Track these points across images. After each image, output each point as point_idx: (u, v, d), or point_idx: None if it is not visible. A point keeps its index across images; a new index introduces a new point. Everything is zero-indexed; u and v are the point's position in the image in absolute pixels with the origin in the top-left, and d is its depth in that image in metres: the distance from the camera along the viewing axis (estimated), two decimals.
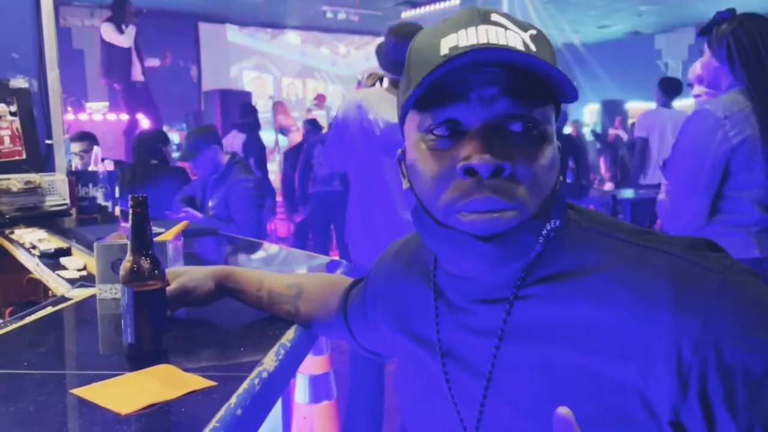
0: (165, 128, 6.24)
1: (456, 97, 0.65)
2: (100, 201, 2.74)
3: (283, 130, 7.43)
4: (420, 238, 0.86)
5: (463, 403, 0.75)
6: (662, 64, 11.48)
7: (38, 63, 2.80)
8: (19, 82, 2.72)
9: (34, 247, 1.96)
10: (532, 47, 0.66)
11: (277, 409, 1.33)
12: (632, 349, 0.62)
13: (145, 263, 0.92)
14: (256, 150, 6.10)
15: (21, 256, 2.03)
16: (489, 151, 0.64)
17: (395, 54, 2.35)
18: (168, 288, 1.02)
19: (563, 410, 0.51)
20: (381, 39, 2.54)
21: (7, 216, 2.47)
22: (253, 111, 6.61)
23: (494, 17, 0.67)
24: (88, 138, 4.19)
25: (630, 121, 9.37)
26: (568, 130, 8.90)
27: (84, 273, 1.64)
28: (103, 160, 2.98)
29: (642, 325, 0.62)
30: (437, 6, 9.19)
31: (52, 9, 2.81)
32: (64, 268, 1.69)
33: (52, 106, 2.83)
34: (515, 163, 0.65)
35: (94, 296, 1.29)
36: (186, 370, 0.87)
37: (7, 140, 2.64)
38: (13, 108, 2.67)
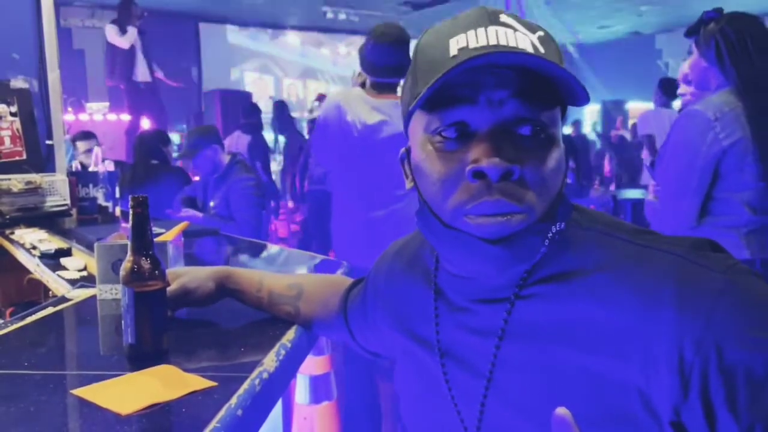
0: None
1: (465, 100, 0.65)
2: (101, 201, 2.74)
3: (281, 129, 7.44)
4: (421, 238, 0.86)
5: (463, 404, 0.75)
6: (663, 65, 11.47)
7: (39, 63, 2.80)
8: (19, 83, 2.72)
9: (34, 247, 1.96)
10: (541, 49, 0.65)
11: (278, 409, 1.33)
12: (634, 349, 0.62)
13: (146, 264, 0.92)
14: (261, 152, 6.09)
15: (21, 256, 2.03)
16: (498, 154, 0.63)
17: (373, 56, 2.38)
18: (168, 288, 1.02)
19: (561, 411, 0.51)
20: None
21: (8, 216, 2.48)
22: (258, 111, 6.57)
23: (503, 18, 0.67)
24: (92, 136, 4.20)
25: (630, 122, 9.37)
26: (568, 130, 8.90)
27: (84, 273, 1.64)
28: (103, 160, 2.98)
29: (644, 324, 0.62)
30: (437, 7, 9.18)
31: (53, 9, 2.81)
32: (64, 268, 1.69)
33: (53, 107, 2.83)
34: (524, 166, 0.65)
35: (94, 297, 1.29)
36: (186, 370, 0.87)
37: (7, 140, 2.64)
38: (14, 108, 2.67)
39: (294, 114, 8.25)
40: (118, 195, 2.86)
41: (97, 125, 5.94)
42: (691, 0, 1.77)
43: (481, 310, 0.73)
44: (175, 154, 4.43)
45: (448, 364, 0.77)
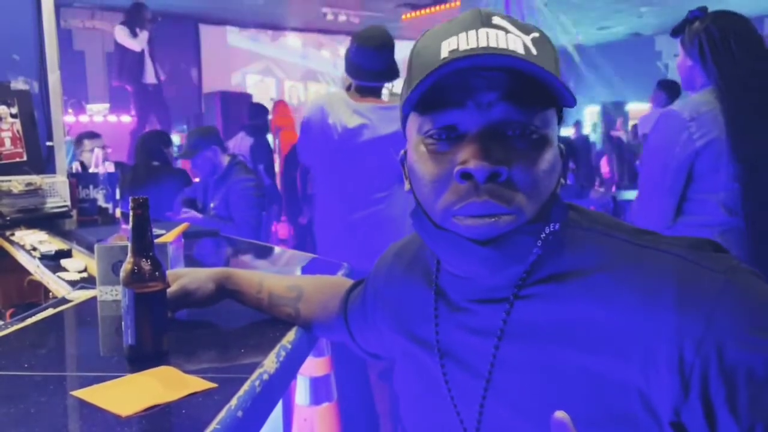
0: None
1: (454, 102, 0.66)
2: (101, 203, 2.74)
3: (277, 130, 7.42)
4: (421, 239, 0.86)
5: (462, 404, 0.75)
6: (662, 66, 11.47)
7: (39, 65, 2.80)
8: (19, 84, 2.72)
9: (34, 248, 1.96)
10: (534, 51, 0.65)
11: (278, 410, 1.33)
12: (634, 349, 0.62)
13: (146, 265, 0.92)
14: (264, 154, 6.07)
15: (22, 257, 2.03)
16: (486, 155, 0.64)
17: (357, 60, 2.39)
18: (169, 290, 1.02)
19: (560, 414, 0.51)
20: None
21: (8, 218, 2.47)
22: (263, 112, 6.53)
23: (496, 20, 0.67)
24: (98, 136, 4.20)
25: (631, 123, 9.37)
26: (570, 131, 8.89)
27: (85, 275, 1.64)
28: (104, 161, 2.98)
29: (644, 324, 0.62)
30: (438, 8, 9.19)
31: (53, 10, 2.81)
32: (64, 269, 1.69)
33: (53, 108, 2.83)
34: (512, 167, 0.65)
35: (94, 298, 1.29)
36: (186, 371, 0.87)
37: (7, 142, 2.64)
38: (14, 110, 2.67)
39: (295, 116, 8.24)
40: (118, 196, 2.86)
41: (97, 127, 5.94)
42: (691, 1, 1.77)
43: (481, 311, 0.73)
44: (175, 155, 4.43)
45: (447, 364, 0.77)
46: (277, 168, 7.56)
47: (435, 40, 0.68)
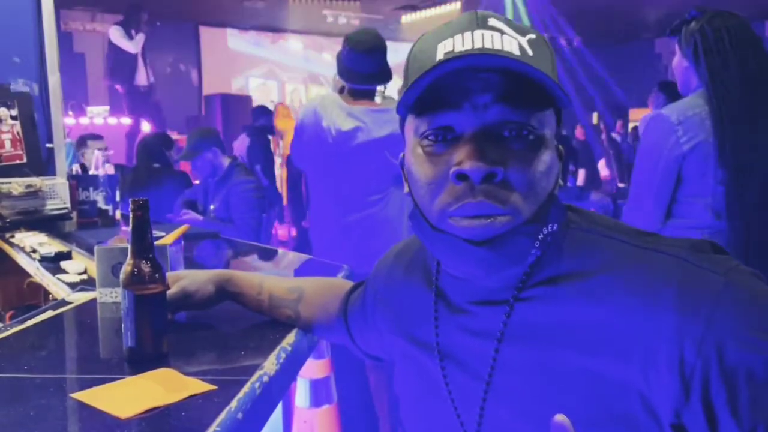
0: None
1: (450, 104, 0.66)
2: (101, 205, 2.74)
3: (280, 134, 7.42)
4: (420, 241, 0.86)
5: (463, 406, 0.75)
6: (662, 68, 11.48)
7: (39, 67, 2.80)
8: (20, 86, 2.73)
9: (34, 250, 1.95)
10: (529, 52, 0.66)
11: (278, 413, 1.32)
12: (634, 351, 0.62)
13: (146, 267, 0.92)
14: (260, 155, 6.07)
15: (21, 259, 2.03)
16: (481, 156, 0.64)
17: (349, 63, 2.39)
18: (168, 292, 1.02)
19: (560, 417, 0.51)
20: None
21: (8, 220, 2.47)
22: (264, 114, 6.52)
23: (491, 22, 0.68)
24: (99, 137, 4.21)
25: (630, 125, 9.37)
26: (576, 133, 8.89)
27: (84, 277, 1.64)
28: (104, 163, 2.98)
29: (644, 326, 0.62)
30: (438, 10, 9.20)
31: (53, 13, 2.81)
32: (64, 271, 1.69)
33: (53, 110, 2.83)
34: (508, 168, 0.65)
35: (94, 300, 1.29)
36: (186, 373, 0.87)
37: (8, 144, 2.64)
38: (14, 112, 2.68)
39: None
40: (118, 198, 2.86)
41: (97, 129, 5.94)
42: (691, 3, 1.77)
43: (481, 312, 0.73)
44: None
45: (447, 366, 0.77)
46: (279, 170, 7.56)
47: (431, 43, 0.68)
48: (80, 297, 1.37)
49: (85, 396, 0.80)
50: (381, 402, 2.62)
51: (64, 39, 7.72)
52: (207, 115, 8.77)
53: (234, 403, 0.77)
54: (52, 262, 1.81)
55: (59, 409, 0.79)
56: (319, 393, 2.06)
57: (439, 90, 0.66)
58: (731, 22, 1.69)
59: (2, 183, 2.54)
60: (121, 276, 0.92)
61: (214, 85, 9.90)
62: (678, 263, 0.64)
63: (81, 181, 2.73)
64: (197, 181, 3.83)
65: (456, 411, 0.76)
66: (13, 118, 2.67)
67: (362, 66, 2.37)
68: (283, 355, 0.97)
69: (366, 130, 2.36)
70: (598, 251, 0.69)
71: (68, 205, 2.68)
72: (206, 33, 10.55)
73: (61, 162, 2.84)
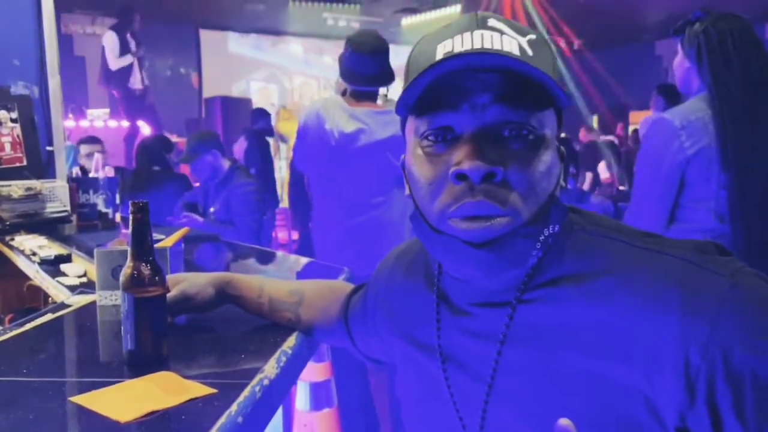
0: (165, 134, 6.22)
1: (449, 104, 0.66)
2: (101, 208, 2.74)
3: (282, 138, 7.42)
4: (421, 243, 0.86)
5: (465, 409, 0.75)
6: (662, 71, 11.49)
7: (39, 70, 2.80)
8: (20, 89, 2.73)
9: (34, 253, 1.95)
10: (529, 52, 0.66)
11: (278, 416, 1.32)
12: (639, 353, 0.62)
13: (146, 269, 0.91)
14: (256, 158, 6.06)
15: (21, 262, 2.03)
16: (480, 156, 0.64)
17: (351, 65, 2.39)
18: (168, 294, 1.02)
19: (564, 421, 0.51)
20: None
21: (8, 222, 2.47)
22: (262, 117, 6.52)
23: (491, 22, 0.68)
24: (97, 141, 4.21)
25: (631, 128, 9.38)
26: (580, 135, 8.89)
27: (84, 279, 1.64)
28: (104, 166, 2.98)
29: (649, 328, 0.62)
30: (438, 12, 9.21)
31: (54, 16, 2.82)
32: (64, 274, 1.69)
33: (53, 113, 2.83)
34: (507, 168, 0.65)
35: (94, 303, 1.28)
36: (186, 377, 0.87)
37: (8, 147, 2.64)
38: (14, 114, 2.68)
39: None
40: (118, 201, 2.86)
41: (97, 132, 5.94)
42: (691, 6, 1.76)
43: (483, 314, 0.73)
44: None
45: (449, 368, 0.77)
46: (282, 173, 7.56)
47: (431, 44, 0.68)
48: (80, 300, 1.37)
49: (85, 399, 0.80)
50: (382, 405, 2.62)
51: (65, 42, 7.72)
52: (207, 118, 8.77)
53: (234, 407, 0.77)
54: (52, 265, 1.81)
55: (58, 413, 0.79)
56: (319, 396, 2.05)
57: (439, 90, 0.66)
58: (735, 25, 1.69)
59: (2, 186, 2.54)
60: (121, 279, 0.92)
61: (214, 88, 9.91)
62: (682, 265, 0.64)
63: (81, 184, 2.73)
64: (197, 184, 3.83)
65: (458, 413, 0.75)
66: (13, 120, 2.67)
67: (364, 68, 2.37)
68: (284, 359, 0.96)
69: (369, 132, 2.35)
70: (600, 253, 0.69)
71: (68, 208, 2.68)
72: (207, 36, 10.56)
73: (61, 165, 2.84)
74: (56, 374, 0.94)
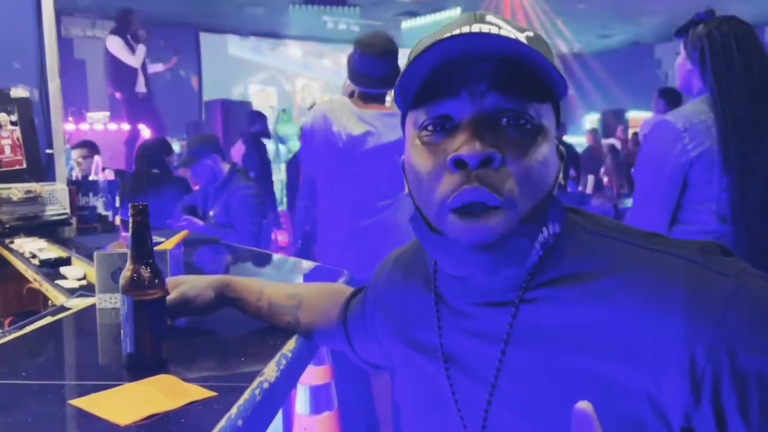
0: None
1: (447, 93, 0.66)
2: (101, 210, 2.74)
3: (281, 139, 7.42)
4: (420, 243, 0.86)
5: (466, 410, 0.74)
6: (662, 74, 11.51)
7: (39, 73, 2.80)
8: (20, 92, 2.72)
9: (33, 256, 1.95)
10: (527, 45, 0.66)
11: (278, 420, 1.32)
12: (644, 354, 0.61)
13: (145, 272, 0.91)
14: (255, 162, 6.06)
15: (21, 265, 2.03)
16: (478, 141, 0.64)
17: (360, 67, 2.38)
18: (168, 297, 1.02)
19: (583, 404, 0.49)
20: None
21: (7, 225, 2.47)
22: (259, 120, 6.53)
23: (489, 18, 0.69)
24: (87, 146, 4.21)
25: (631, 131, 9.39)
26: (580, 139, 8.89)
27: (84, 282, 1.64)
28: (103, 169, 2.98)
29: (654, 328, 0.61)
30: (437, 15, 9.23)
31: (54, 19, 2.82)
32: (63, 277, 1.69)
33: (53, 116, 2.83)
34: (505, 155, 0.65)
35: (93, 306, 1.28)
36: (186, 380, 0.87)
37: (7, 149, 2.64)
38: (14, 117, 2.67)
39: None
40: (118, 204, 2.86)
41: (97, 135, 5.95)
42: (691, 10, 1.76)
43: (484, 314, 0.73)
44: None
45: (451, 369, 0.76)
46: (277, 176, 7.56)
47: (430, 41, 0.69)
48: (79, 303, 1.37)
49: (84, 403, 0.80)
50: (384, 408, 2.61)
51: (65, 45, 7.74)
52: (207, 121, 8.78)
53: (234, 410, 0.77)
54: (52, 268, 1.81)
55: (58, 416, 0.78)
56: (319, 400, 2.05)
57: (438, 80, 0.66)
58: (739, 29, 1.70)
59: (2, 188, 2.54)
60: (121, 281, 0.92)
61: (214, 91, 9.92)
62: (686, 265, 0.63)
63: (81, 186, 2.73)
64: (197, 187, 3.83)
65: (459, 413, 0.75)
66: (13, 123, 2.66)
67: (373, 70, 2.36)
68: (284, 362, 0.96)
69: (376, 134, 2.35)
70: (603, 252, 0.68)
71: (68, 210, 2.67)
72: (207, 39, 10.58)
73: (61, 168, 2.84)
74: (56, 377, 0.94)
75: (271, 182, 6.42)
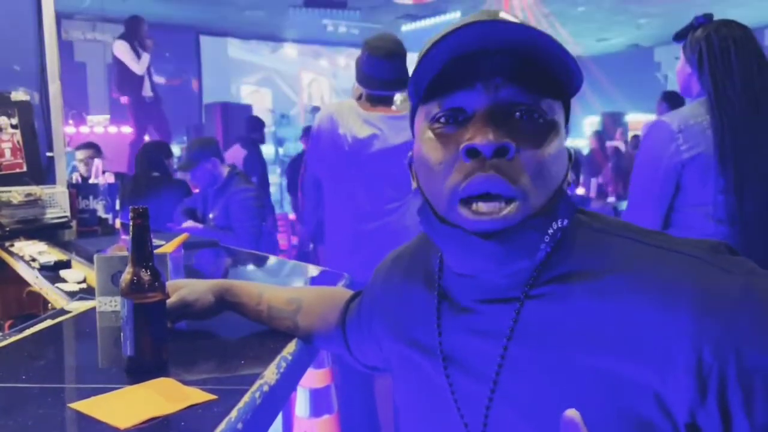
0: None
1: (462, 85, 0.66)
2: (101, 213, 2.74)
3: (280, 141, 7.43)
4: (421, 243, 0.85)
5: (467, 410, 0.74)
6: (662, 77, 11.52)
7: (40, 76, 2.81)
8: (20, 95, 2.73)
9: (33, 259, 1.95)
10: None
11: (278, 423, 1.31)
12: (650, 351, 0.61)
13: (146, 275, 0.91)
14: (257, 167, 6.06)
15: (21, 268, 2.03)
16: (493, 131, 0.64)
17: (367, 69, 2.38)
18: (168, 301, 1.02)
19: (571, 412, 0.50)
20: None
21: (8, 228, 2.47)
22: (260, 125, 6.54)
23: (501, 15, 0.69)
24: (92, 146, 4.22)
25: (630, 134, 9.39)
26: (583, 143, 8.88)
27: (84, 285, 1.64)
28: (104, 172, 2.98)
29: (661, 326, 0.61)
30: (437, 19, 9.24)
31: (54, 22, 2.82)
32: (63, 280, 1.69)
33: (53, 119, 2.83)
34: (519, 145, 0.65)
35: (93, 309, 1.28)
36: (186, 383, 0.87)
37: (8, 152, 2.64)
38: (15, 120, 2.68)
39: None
40: (118, 207, 2.86)
41: (97, 138, 5.95)
42: (690, 13, 1.77)
43: (488, 311, 0.72)
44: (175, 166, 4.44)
45: (450, 368, 0.76)
46: (276, 178, 7.56)
47: (445, 32, 0.68)
48: (79, 306, 1.37)
49: (84, 406, 0.80)
50: (385, 409, 2.61)
51: (65, 48, 7.75)
52: (207, 124, 8.78)
53: (234, 413, 0.77)
54: (52, 271, 1.81)
55: (57, 419, 0.78)
56: (319, 403, 2.04)
57: (451, 72, 0.66)
58: (738, 33, 1.70)
59: (2, 191, 2.54)
60: (121, 284, 0.92)
61: (214, 94, 9.93)
62: (695, 263, 0.63)
63: (81, 189, 2.73)
64: (197, 190, 3.83)
65: (459, 412, 0.74)
66: (13, 126, 2.67)
67: (380, 72, 2.35)
68: (284, 365, 0.96)
69: (382, 137, 2.34)
70: (610, 249, 0.68)
71: (68, 213, 2.68)
72: (207, 42, 10.59)
73: (61, 171, 2.84)
74: (55, 380, 0.94)
75: (268, 185, 6.43)
